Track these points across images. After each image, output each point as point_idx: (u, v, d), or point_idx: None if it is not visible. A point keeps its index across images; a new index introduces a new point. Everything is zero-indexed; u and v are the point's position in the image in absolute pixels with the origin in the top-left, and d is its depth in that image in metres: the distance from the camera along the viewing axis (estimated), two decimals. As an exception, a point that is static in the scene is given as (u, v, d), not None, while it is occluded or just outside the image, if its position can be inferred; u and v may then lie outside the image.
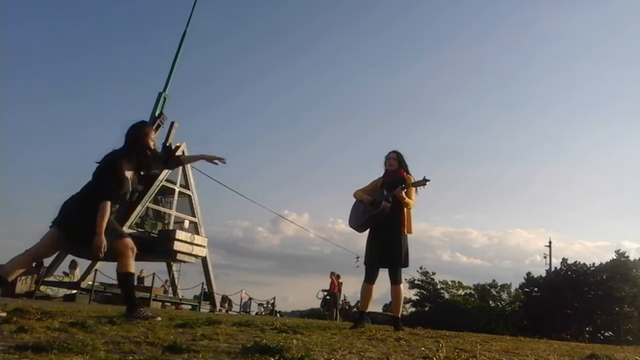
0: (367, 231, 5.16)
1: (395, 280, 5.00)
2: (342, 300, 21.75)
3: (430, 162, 69.67)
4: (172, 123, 18.14)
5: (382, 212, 4.90)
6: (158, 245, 16.52)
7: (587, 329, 27.38)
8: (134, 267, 3.79)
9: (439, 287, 35.22)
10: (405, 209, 4.99)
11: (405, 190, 4.90)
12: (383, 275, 5.07)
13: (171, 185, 17.72)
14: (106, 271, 14.99)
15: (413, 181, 4.98)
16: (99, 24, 75.17)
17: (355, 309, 30.29)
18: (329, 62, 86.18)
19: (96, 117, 64.69)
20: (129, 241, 3.81)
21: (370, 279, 5.07)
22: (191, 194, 18.29)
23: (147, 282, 16.59)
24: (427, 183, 4.88)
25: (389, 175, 5.17)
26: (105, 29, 74.89)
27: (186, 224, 17.88)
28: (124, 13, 76.26)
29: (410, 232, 5.05)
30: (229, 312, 18.46)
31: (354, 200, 5.29)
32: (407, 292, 34.27)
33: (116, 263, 3.78)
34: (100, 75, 74.77)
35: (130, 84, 75.99)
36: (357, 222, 5.17)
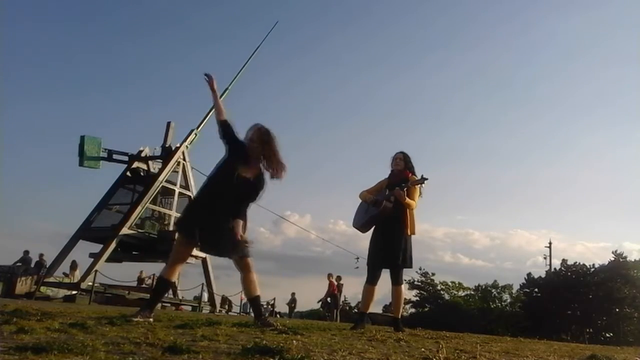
0: (371, 232, 5.17)
1: (396, 281, 5.00)
2: (342, 302, 21.74)
3: (432, 163, 69.56)
4: (169, 123, 18.19)
5: (383, 213, 4.91)
6: (158, 246, 16.53)
7: (588, 330, 27.38)
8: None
9: (439, 288, 35.25)
10: (407, 209, 4.99)
11: (405, 190, 4.91)
12: (384, 276, 5.08)
13: (171, 186, 17.72)
14: (106, 272, 15.03)
15: (412, 181, 5.00)
16: (112, 23, 75.04)
17: (355, 310, 30.29)
18: (333, 62, 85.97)
19: (98, 117, 64.56)
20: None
21: (372, 280, 5.06)
22: (191, 195, 18.31)
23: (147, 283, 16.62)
24: (425, 182, 4.91)
25: (394, 175, 5.18)
26: (112, 29, 74.80)
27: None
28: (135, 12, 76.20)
29: (413, 232, 5.03)
30: (229, 313, 18.45)
31: (359, 201, 5.30)
32: (407, 293, 34.34)
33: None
34: (102, 76, 74.65)
35: (132, 85, 75.94)
36: (360, 222, 5.19)
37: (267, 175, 3.93)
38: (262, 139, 3.88)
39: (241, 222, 3.81)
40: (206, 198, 3.96)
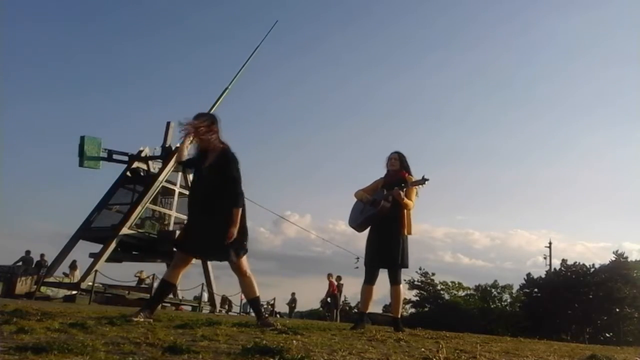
0: (367, 231, 5.17)
1: (394, 280, 5.00)
2: (342, 302, 21.74)
3: (432, 163, 69.53)
4: (169, 123, 18.17)
5: (381, 212, 4.90)
6: (158, 246, 16.54)
7: (588, 330, 27.38)
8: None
9: (439, 288, 35.24)
10: (405, 209, 4.99)
11: (404, 190, 4.90)
12: (383, 276, 5.08)
13: (171, 186, 17.73)
14: (106, 272, 15.02)
15: (412, 181, 4.99)
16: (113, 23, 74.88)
17: (355, 310, 30.29)
18: (333, 62, 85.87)
19: (98, 117, 64.59)
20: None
21: (370, 280, 5.06)
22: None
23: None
24: (425, 182, 4.88)
25: (390, 175, 5.17)
26: (113, 29, 74.70)
27: (186, 224, 17.88)
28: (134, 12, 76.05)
29: (410, 232, 5.03)
30: (229, 313, 18.45)
31: (355, 200, 5.29)
32: (407, 293, 34.32)
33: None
34: (102, 76, 74.61)
35: (132, 85, 75.88)
36: (356, 221, 5.18)
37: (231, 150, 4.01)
38: (195, 128, 3.99)
39: (234, 220, 3.81)
40: (192, 203, 4.16)
